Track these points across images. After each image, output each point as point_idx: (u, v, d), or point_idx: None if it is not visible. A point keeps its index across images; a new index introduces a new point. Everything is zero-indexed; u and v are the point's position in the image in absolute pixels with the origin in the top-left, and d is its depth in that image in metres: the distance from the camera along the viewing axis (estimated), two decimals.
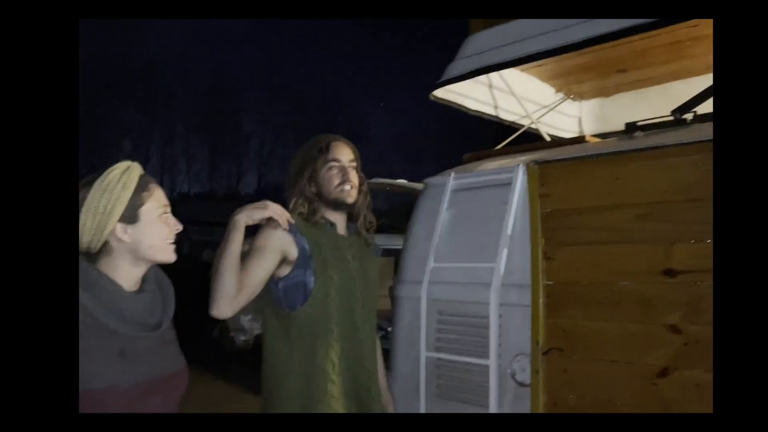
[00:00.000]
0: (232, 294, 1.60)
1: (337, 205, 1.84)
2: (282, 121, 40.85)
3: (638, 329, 1.66)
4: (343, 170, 1.83)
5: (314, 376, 1.73)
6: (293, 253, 1.75)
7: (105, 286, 1.25)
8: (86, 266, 1.25)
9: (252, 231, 1.75)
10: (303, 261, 1.75)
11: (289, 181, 1.92)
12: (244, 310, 7.30)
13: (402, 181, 3.18)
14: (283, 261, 1.74)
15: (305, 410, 1.71)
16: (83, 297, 1.20)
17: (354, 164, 1.88)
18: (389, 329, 2.44)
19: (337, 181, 1.82)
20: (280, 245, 1.73)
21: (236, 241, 1.63)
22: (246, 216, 1.66)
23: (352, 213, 1.92)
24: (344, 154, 1.86)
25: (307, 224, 1.81)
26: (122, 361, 1.22)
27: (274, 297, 1.77)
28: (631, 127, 1.98)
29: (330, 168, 1.83)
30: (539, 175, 1.93)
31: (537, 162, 1.97)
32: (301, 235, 1.76)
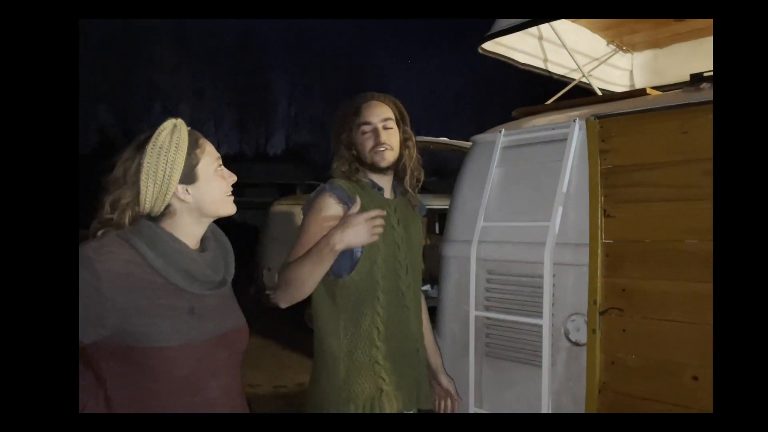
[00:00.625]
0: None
1: (375, 168, 1.81)
2: (309, 82, 40.62)
3: (704, 288, 1.60)
4: (375, 132, 1.79)
5: (359, 341, 1.74)
6: None
7: (171, 245, 1.25)
8: (152, 225, 1.26)
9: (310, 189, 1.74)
10: None
11: (332, 142, 1.90)
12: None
13: (444, 139, 3.11)
14: None
15: (348, 374, 1.73)
16: (150, 256, 1.21)
17: (389, 123, 1.82)
18: (424, 288, 2.45)
19: (370, 145, 1.79)
20: (333, 222, 1.72)
21: (327, 265, 1.63)
22: (345, 244, 1.61)
23: (398, 172, 1.89)
24: (376, 114, 1.81)
25: (356, 188, 1.79)
26: (192, 319, 1.25)
27: None
28: (697, 78, 1.88)
29: (362, 132, 1.80)
30: (600, 130, 1.86)
31: (597, 116, 1.89)
32: (352, 203, 1.74)
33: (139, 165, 1.24)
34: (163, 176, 1.24)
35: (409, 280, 1.85)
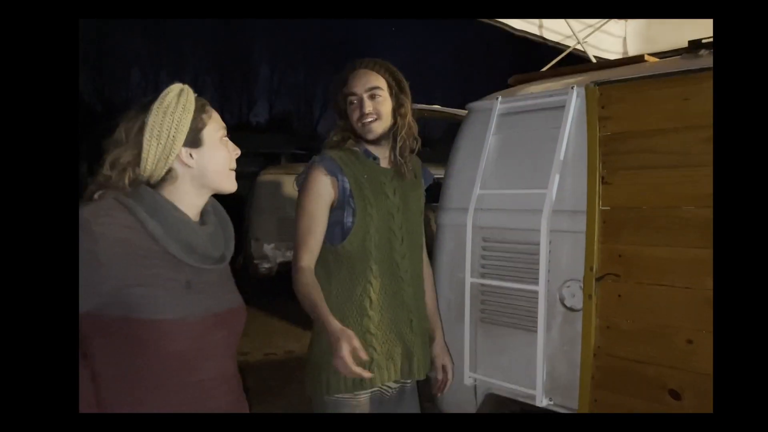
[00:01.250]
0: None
1: (365, 139, 1.78)
2: (292, 48, 39.88)
3: (700, 254, 1.63)
4: (361, 103, 1.75)
5: (350, 310, 1.74)
6: (335, 195, 1.75)
7: (173, 213, 1.21)
8: (153, 192, 1.21)
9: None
10: (342, 201, 1.74)
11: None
12: (267, 239, 7.41)
13: (437, 107, 3.09)
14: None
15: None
16: (150, 223, 1.17)
17: (377, 92, 1.76)
18: None
19: (356, 116, 1.76)
20: (327, 197, 1.73)
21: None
22: (330, 337, 1.59)
23: (396, 141, 1.85)
24: (361, 84, 1.75)
25: (349, 157, 1.77)
26: (189, 293, 1.20)
27: None
28: (696, 45, 1.88)
29: (350, 102, 1.77)
30: (599, 96, 1.85)
31: (597, 83, 1.88)
32: (342, 174, 1.73)
33: (143, 124, 1.20)
34: (168, 136, 1.20)
35: (404, 250, 1.84)
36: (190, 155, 1.24)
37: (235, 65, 38.31)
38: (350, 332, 1.56)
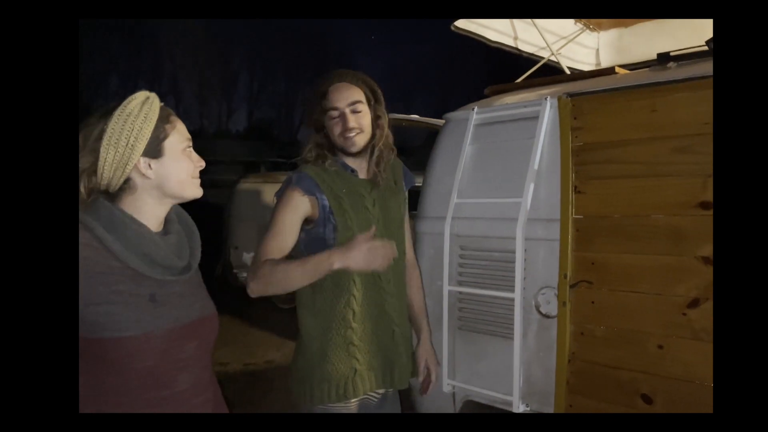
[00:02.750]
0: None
1: (346, 152, 1.78)
2: (272, 55, 39.80)
3: (670, 261, 1.68)
4: (343, 118, 1.74)
5: (333, 322, 1.75)
6: (314, 213, 1.74)
7: (131, 226, 1.18)
8: (109, 206, 1.18)
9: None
10: (323, 217, 1.74)
11: (306, 123, 1.86)
12: (247, 247, 7.37)
13: (415, 117, 3.13)
14: (305, 219, 1.75)
15: (323, 354, 1.74)
16: (108, 239, 1.14)
17: (358, 106, 1.76)
18: None
19: (338, 131, 1.75)
20: (302, 211, 1.71)
21: (317, 278, 1.62)
22: (345, 265, 1.57)
23: (373, 152, 1.86)
24: (343, 98, 1.75)
25: (326, 173, 1.76)
26: (153, 307, 1.17)
27: (298, 246, 1.77)
28: (665, 57, 1.93)
29: (330, 117, 1.76)
30: (571, 108, 1.90)
31: (569, 94, 1.92)
32: (321, 192, 1.73)
33: (102, 131, 1.16)
34: (126, 144, 1.16)
35: None
36: (149, 165, 1.20)
37: (214, 72, 38.13)
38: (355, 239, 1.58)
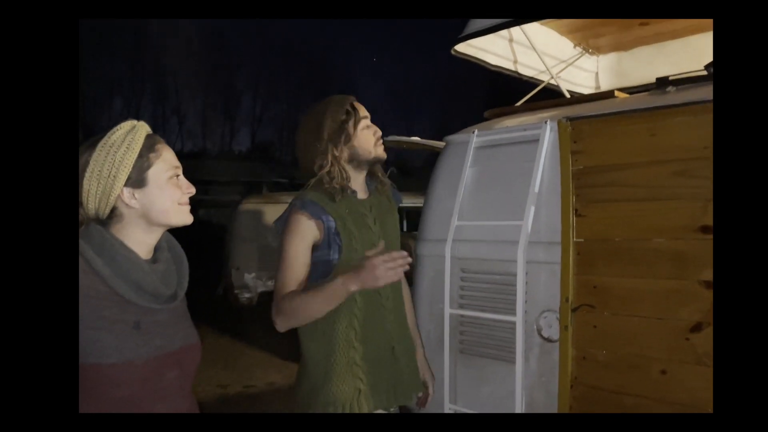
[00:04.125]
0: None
1: (373, 163, 1.82)
2: (275, 78, 40.18)
3: (672, 285, 1.67)
4: (373, 127, 1.81)
5: (337, 343, 1.74)
6: (320, 236, 1.75)
7: (121, 252, 1.18)
8: (101, 230, 1.18)
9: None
10: (328, 240, 1.75)
11: (314, 149, 1.79)
12: (248, 268, 7.37)
13: (416, 139, 3.15)
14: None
15: (327, 377, 1.73)
16: (98, 264, 1.14)
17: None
18: None
19: (373, 140, 1.79)
20: (311, 237, 1.73)
21: (338, 303, 1.65)
22: (362, 287, 1.61)
23: (372, 169, 1.89)
24: (364, 111, 1.82)
25: (330, 197, 1.76)
26: (137, 335, 1.17)
27: None
28: (663, 82, 1.94)
29: (366, 126, 1.79)
30: (571, 131, 1.91)
31: (569, 118, 1.93)
32: (327, 214, 1.74)
33: (86, 163, 1.17)
34: (108, 175, 1.17)
35: None
36: (133, 195, 1.21)
37: (218, 93, 38.47)
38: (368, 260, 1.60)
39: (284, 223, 1.77)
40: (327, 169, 1.75)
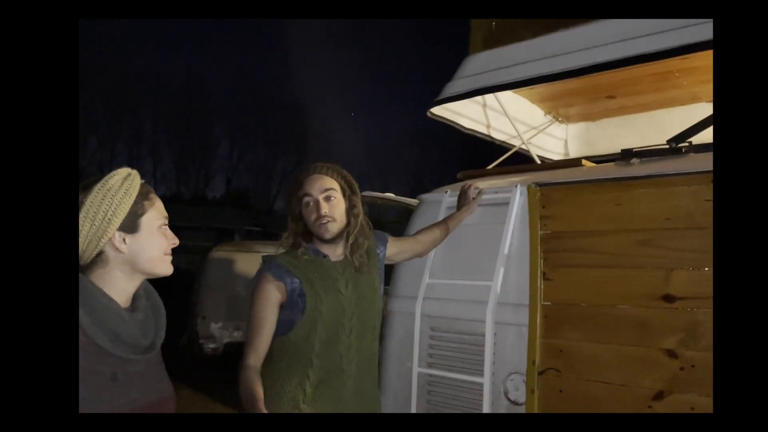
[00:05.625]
0: None
1: (321, 239, 1.84)
2: (252, 125, 40.51)
3: (635, 352, 1.70)
4: (317, 205, 1.81)
5: (282, 401, 1.72)
6: (283, 297, 1.77)
7: (100, 300, 1.17)
8: (81, 278, 1.17)
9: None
10: (291, 302, 1.77)
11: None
12: (215, 318, 7.20)
13: (390, 195, 3.21)
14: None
15: None
16: (78, 313, 1.11)
17: (332, 193, 1.83)
18: None
19: (313, 218, 1.82)
20: (275, 299, 1.76)
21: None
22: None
23: (348, 239, 1.89)
24: (317, 186, 1.82)
25: (298, 260, 1.81)
26: (113, 386, 1.14)
27: None
28: (628, 154, 2.04)
29: (306, 204, 1.83)
30: (540, 197, 1.97)
31: (538, 184, 2.00)
32: (292, 276, 1.77)
33: (81, 204, 1.17)
34: (104, 217, 1.17)
35: (352, 341, 1.82)
36: (124, 240, 1.21)
37: (194, 139, 38.53)
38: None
39: (254, 286, 1.79)
40: (285, 235, 1.86)
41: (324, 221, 1.80)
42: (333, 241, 1.83)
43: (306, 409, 1.72)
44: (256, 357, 1.72)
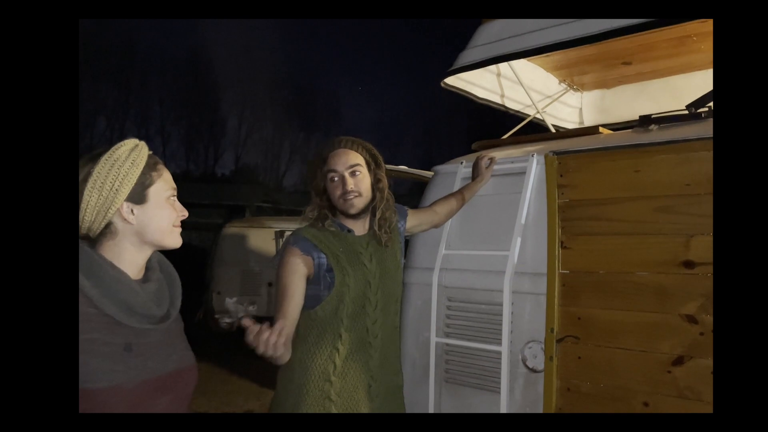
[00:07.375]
0: None
1: (346, 214, 1.84)
2: (260, 102, 40.30)
3: (654, 319, 1.70)
4: (342, 180, 1.81)
5: (312, 375, 1.75)
6: (312, 272, 1.78)
7: (109, 272, 1.16)
8: (89, 251, 1.17)
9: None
10: (318, 276, 1.78)
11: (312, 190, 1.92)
12: (230, 293, 7.29)
13: (404, 168, 3.19)
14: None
15: (296, 408, 1.73)
16: (86, 285, 1.12)
17: (358, 169, 1.83)
18: None
19: (338, 193, 1.82)
20: (302, 273, 1.75)
21: None
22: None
23: (375, 214, 1.90)
24: (342, 162, 1.83)
25: (324, 234, 1.81)
26: (128, 357, 1.14)
27: None
28: (646, 120, 2.01)
29: (331, 179, 1.83)
30: (558, 165, 1.96)
31: (556, 152, 1.99)
32: (319, 251, 1.77)
33: (88, 174, 1.17)
34: (111, 188, 1.17)
35: (377, 315, 1.85)
36: (132, 211, 1.20)
37: (202, 116, 38.42)
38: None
39: (280, 256, 1.80)
40: (308, 209, 1.86)
41: (350, 197, 1.80)
42: (358, 216, 1.84)
43: (336, 381, 1.75)
44: (285, 321, 1.70)
